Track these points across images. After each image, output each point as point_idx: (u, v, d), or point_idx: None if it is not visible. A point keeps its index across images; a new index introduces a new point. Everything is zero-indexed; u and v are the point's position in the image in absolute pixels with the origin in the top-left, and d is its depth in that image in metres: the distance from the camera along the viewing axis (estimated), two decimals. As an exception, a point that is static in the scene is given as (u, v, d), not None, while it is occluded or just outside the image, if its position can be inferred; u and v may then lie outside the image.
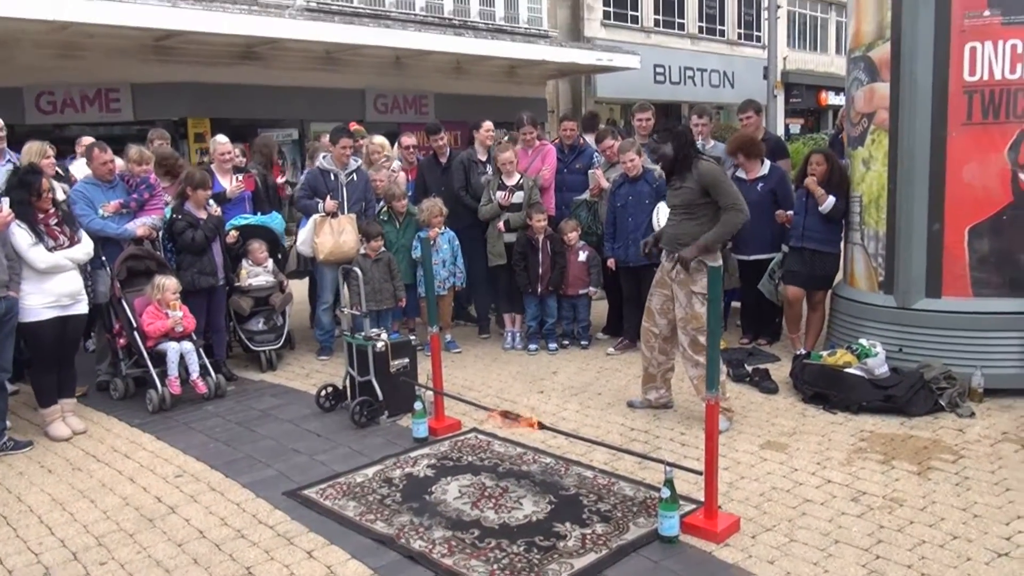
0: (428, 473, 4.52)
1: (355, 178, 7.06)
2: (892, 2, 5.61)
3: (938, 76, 5.42)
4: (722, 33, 29.09)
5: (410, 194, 7.54)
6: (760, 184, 6.86)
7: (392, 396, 5.39)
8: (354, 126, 9.10)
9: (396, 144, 8.39)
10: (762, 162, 6.94)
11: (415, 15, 18.48)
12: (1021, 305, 5.43)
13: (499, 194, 7.10)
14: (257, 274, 6.95)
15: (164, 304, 5.97)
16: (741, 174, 6.94)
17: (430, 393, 5.27)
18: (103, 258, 6.06)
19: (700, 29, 28.07)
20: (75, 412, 5.57)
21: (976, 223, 5.46)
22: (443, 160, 7.70)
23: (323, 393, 5.70)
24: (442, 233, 7.07)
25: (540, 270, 6.95)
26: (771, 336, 7.14)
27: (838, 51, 33.17)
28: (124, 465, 4.85)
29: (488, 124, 7.78)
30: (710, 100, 25.87)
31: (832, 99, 32.32)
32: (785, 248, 6.72)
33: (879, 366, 5.39)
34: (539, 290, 7.00)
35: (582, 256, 7.03)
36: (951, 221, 5.51)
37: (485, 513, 3.98)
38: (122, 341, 6.07)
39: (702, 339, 4.92)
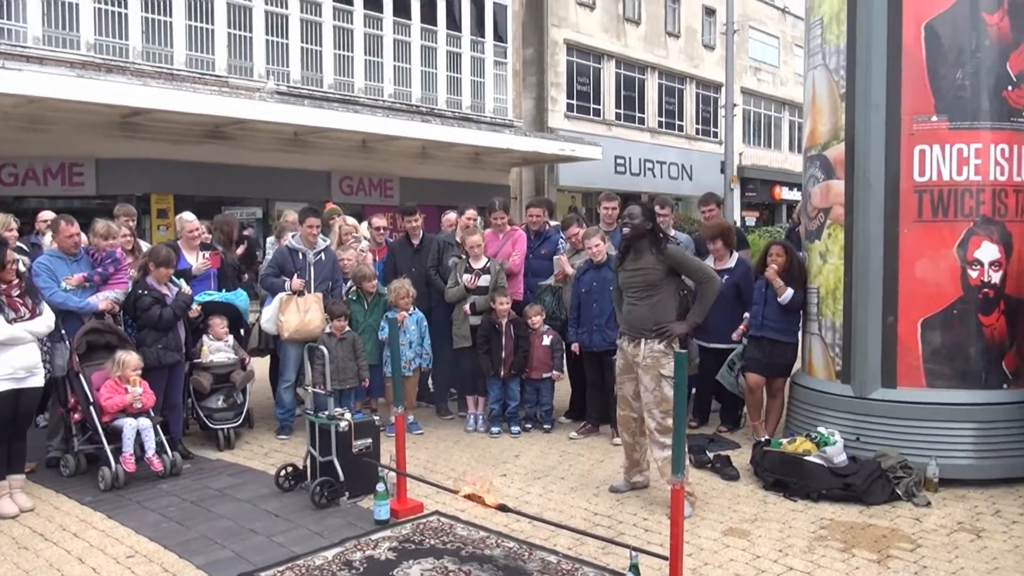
0: (389, 556, 4.45)
1: (323, 257, 7.12)
2: (846, 106, 5.92)
3: (890, 176, 5.69)
4: (681, 128, 30.10)
5: (377, 274, 7.60)
6: (726, 276, 6.99)
7: (354, 477, 5.33)
8: (330, 205, 9.21)
9: (367, 224, 8.49)
10: (731, 254, 7.14)
11: (383, 101, 18.89)
12: (973, 396, 5.60)
13: (465, 277, 7.20)
14: (218, 350, 6.90)
15: (124, 379, 5.89)
16: (710, 263, 7.11)
17: (392, 474, 5.22)
18: (62, 331, 5.98)
19: (660, 124, 29.03)
20: (23, 489, 5.41)
21: (928, 316, 5.66)
22: (415, 241, 7.80)
23: (283, 472, 5.61)
24: (410, 314, 7.12)
25: (504, 353, 7.00)
26: (732, 424, 7.22)
27: (791, 148, 34.44)
28: (73, 545, 4.70)
29: (471, 212, 8.00)
30: (669, 191, 26.62)
31: (785, 194, 33.40)
32: (745, 340, 6.87)
33: (838, 454, 5.48)
34: (502, 373, 7.03)
35: (546, 340, 7.11)
36: (904, 314, 5.71)
37: (448, 598, 3.93)
38: (77, 416, 5.95)
39: (670, 422, 5.02)
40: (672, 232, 7.86)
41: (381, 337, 7.11)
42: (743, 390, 6.85)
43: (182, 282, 6.54)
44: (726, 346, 6.98)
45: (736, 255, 7.15)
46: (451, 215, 8.25)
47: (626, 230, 5.34)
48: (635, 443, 5.51)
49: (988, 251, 5.60)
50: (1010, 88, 5.63)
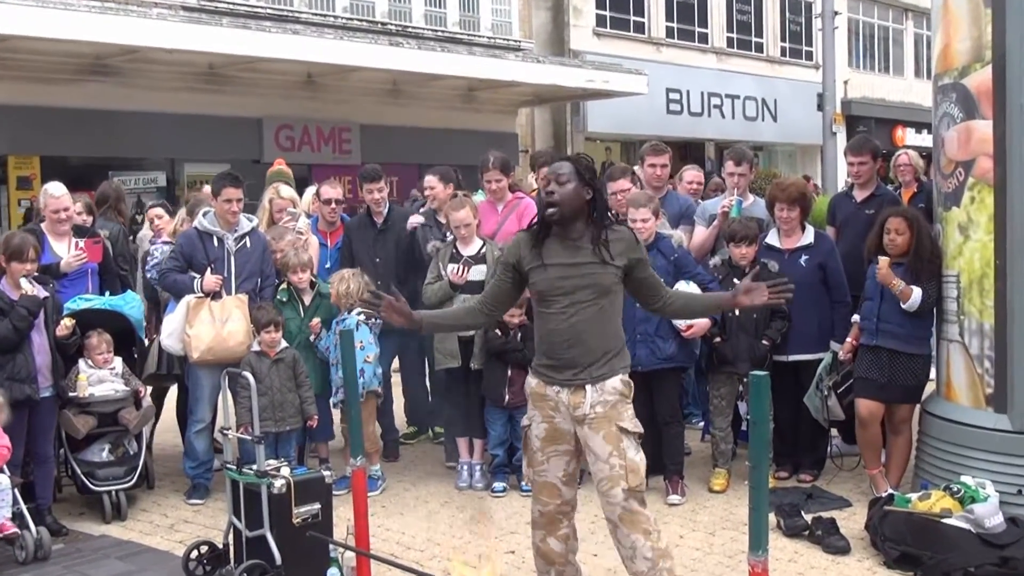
0: (347, 674, 4.41)
1: (248, 244, 7.05)
2: (993, 13, 5.83)
3: (1059, 111, 5.62)
4: (760, 48, 30.01)
5: (328, 266, 7.55)
6: (803, 256, 6.97)
7: (296, 558, 5.29)
8: (280, 163, 9.11)
9: (313, 195, 8.41)
10: (804, 228, 7.10)
11: (335, 18, 18.86)
12: None
13: (451, 267, 7.09)
14: (101, 380, 6.86)
15: (-37, 425, 5.87)
16: (774, 240, 7.05)
17: (351, 554, 5.17)
18: None
19: (730, 42, 28.95)
20: None
21: (1118, 313, 5.60)
22: (379, 220, 7.73)
23: (195, 554, 5.57)
24: (365, 322, 7.03)
25: (510, 371, 6.92)
26: (816, 467, 7.20)
27: (917, 74, 34.29)
28: None
29: (432, 178, 7.79)
30: (745, 139, 26.38)
31: (911, 138, 33.16)
32: (835, 347, 6.87)
33: (991, 515, 5.42)
34: (506, 399, 6.91)
35: (570, 356, 7.03)
36: (1084, 311, 5.65)
37: None
38: (-99, 478, 5.94)
39: (638, 505, 4.54)
40: (751, 199, 7.76)
41: (321, 350, 7.09)
42: (834, 418, 6.86)
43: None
44: (812, 356, 6.95)
45: (811, 229, 7.12)
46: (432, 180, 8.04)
47: (551, 209, 4.53)
48: (567, 551, 4.83)
49: None
50: None
